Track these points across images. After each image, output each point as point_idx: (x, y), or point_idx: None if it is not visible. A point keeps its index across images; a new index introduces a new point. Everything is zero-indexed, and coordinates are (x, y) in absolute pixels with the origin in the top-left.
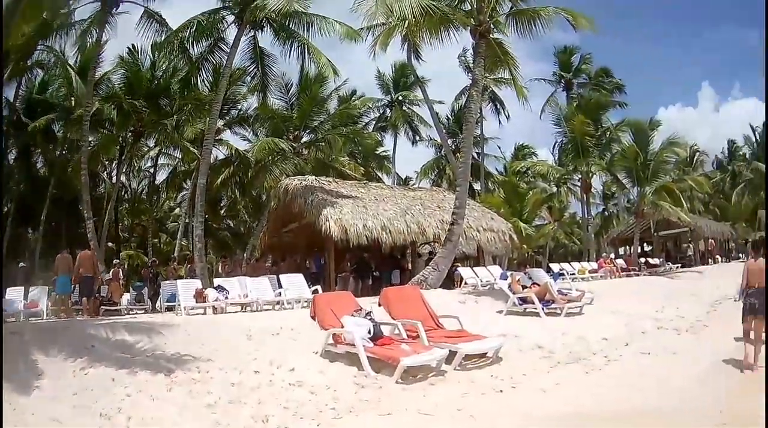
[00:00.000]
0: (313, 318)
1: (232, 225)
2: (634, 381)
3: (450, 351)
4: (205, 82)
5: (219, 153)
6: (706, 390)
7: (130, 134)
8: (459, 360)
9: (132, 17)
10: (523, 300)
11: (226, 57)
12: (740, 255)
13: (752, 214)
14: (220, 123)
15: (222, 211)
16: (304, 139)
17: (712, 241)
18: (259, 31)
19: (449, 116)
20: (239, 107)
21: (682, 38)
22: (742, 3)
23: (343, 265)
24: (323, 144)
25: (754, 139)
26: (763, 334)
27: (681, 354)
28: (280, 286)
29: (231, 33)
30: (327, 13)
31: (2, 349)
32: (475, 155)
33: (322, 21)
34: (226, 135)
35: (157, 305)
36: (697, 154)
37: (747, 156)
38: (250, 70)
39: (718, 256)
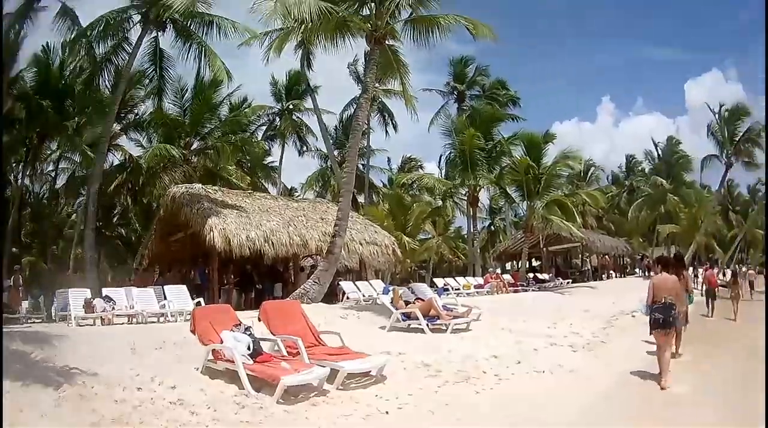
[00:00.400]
0: (193, 332)
1: (124, 233)
2: (530, 401)
3: (332, 369)
4: (107, 83)
5: (115, 158)
6: (611, 408)
7: (35, 135)
8: (341, 380)
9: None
10: (407, 316)
11: (128, 57)
12: (636, 270)
13: (650, 229)
14: (117, 127)
15: (114, 219)
16: (195, 146)
17: (607, 257)
18: (161, 32)
19: (338, 127)
20: (136, 111)
21: (583, 54)
22: (645, 19)
23: (227, 277)
24: (212, 152)
25: (655, 154)
26: (671, 347)
27: (579, 372)
28: (166, 298)
29: (136, 33)
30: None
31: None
32: (361, 166)
33: (223, 21)
34: (123, 140)
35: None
36: (593, 168)
37: (646, 171)
38: (149, 72)
39: (612, 272)
